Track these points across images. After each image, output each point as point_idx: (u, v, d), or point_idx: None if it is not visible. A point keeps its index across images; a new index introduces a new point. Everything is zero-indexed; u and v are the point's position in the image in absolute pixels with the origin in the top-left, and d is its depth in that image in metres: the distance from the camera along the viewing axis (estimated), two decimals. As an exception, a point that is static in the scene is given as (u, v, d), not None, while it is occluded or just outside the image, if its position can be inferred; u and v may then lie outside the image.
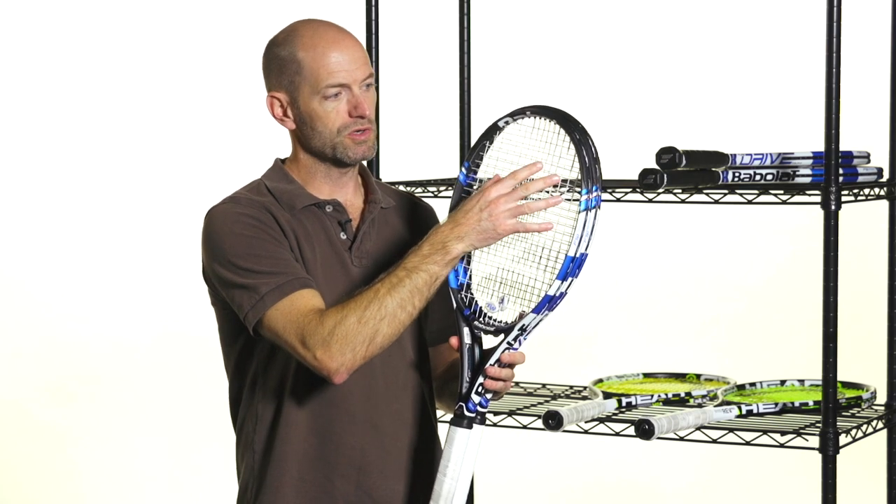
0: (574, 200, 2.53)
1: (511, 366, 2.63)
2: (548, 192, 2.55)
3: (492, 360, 2.61)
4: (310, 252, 2.68)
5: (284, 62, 2.69)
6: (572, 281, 2.53)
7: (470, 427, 2.62)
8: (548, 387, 3.69)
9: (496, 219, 2.53)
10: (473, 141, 3.66)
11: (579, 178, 2.53)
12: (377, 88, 3.64)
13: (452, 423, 2.63)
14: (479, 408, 2.62)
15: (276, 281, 2.59)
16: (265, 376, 2.72)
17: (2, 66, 6.55)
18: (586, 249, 2.52)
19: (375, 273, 2.68)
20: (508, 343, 2.60)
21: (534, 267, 2.59)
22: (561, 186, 2.56)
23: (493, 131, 2.65)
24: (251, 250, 2.62)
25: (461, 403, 2.62)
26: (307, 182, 2.74)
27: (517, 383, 3.70)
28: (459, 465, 2.61)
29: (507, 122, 2.63)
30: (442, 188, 3.51)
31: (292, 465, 2.71)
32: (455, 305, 2.66)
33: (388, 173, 3.71)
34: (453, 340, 2.64)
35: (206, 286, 2.76)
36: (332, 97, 2.67)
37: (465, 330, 2.64)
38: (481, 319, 2.64)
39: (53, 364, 6.36)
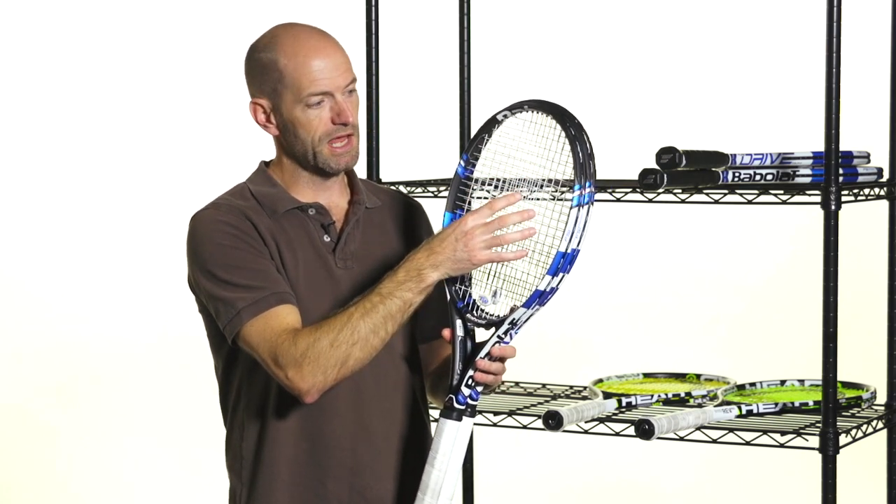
0: (566, 200, 2.54)
1: (502, 360, 2.64)
2: (546, 199, 2.56)
3: (482, 353, 2.62)
4: (291, 257, 2.68)
5: (266, 69, 2.69)
6: (563, 277, 2.54)
7: (459, 419, 2.63)
8: (548, 387, 3.69)
9: (471, 250, 2.55)
10: (473, 141, 3.67)
11: (572, 175, 2.54)
12: (377, 88, 3.65)
13: (442, 414, 2.64)
14: (469, 400, 2.63)
15: (252, 296, 2.60)
16: (251, 381, 2.72)
17: (2, 67, 6.55)
18: (578, 245, 2.52)
19: (360, 274, 2.70)
20: (499, 336, 2.61)
21: (526, 261, 2.60)
22: (561, 186, 2.57)
23: (491, 125, 2.66)
24: (229, 261, 2.62)
25: (451, 395, 2.63)
26: (291, 186, 2.75)
27: (517, 383, 3.70)
28: (448, 456, 2.62)
29: (505, 116, 2.64)
30: (442, 188, 3.51)
31: (283, 470, 2.71)
32: (449, 298, 2.66)
33: (388, 173, 3.71)
34: (445, 332, 2.65)
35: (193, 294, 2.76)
36: (315, 105, 2.67)
37: (458, 322, 2.65)
38: (474, 312, 2.65)
39: (53, 365, 6.36)
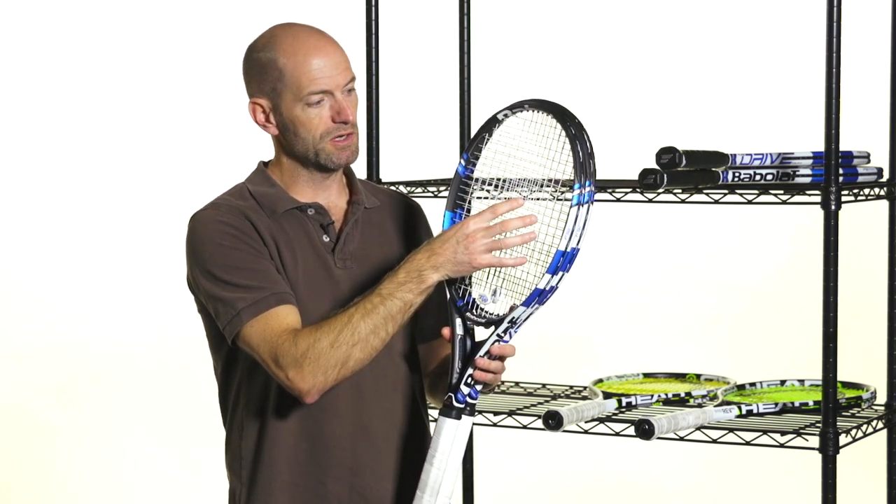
0: (565, 200, 2.54)
1: (502, 358, 2.64)
2: (547, 199, 2.56)
3: (481, 352, 2.62)
4: (290, 257, 2.68)
5: (265, 69, 2.69)
6: (563, 275, 2.54)
7: (458, 418, 2.63)
8: (548, 387, 3.69)
9: (472, 253, 2.55)
10: (473, 141, 3.66)
11: (572, 174, 2.54)
12: (377, 88, 3.65)
13: (441, 413, 2.64)
14: (468, 399, 2.63)
15: (252, 297, 2.60)
16: (250, 382, 2.72)
17: (2, 67, 6.55)
18: (578, 244, 2.52)
19: (359, 275, 2.70)
20: (498, 335, 2.61)
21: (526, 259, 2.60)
22: (561, 186, 2.57)
23: (492, 124, 2.66)
24: (229, 261, 2.63)
25: (450, 394, 2.63)
26: (290, 186, 2.75)
27: (517, 383, 3.70)
28: (447, 455, 2.62)
29: (506, 115, 2.65)
30: (442, 188, 3.51)
31: (283, 470, 2.71)
32: (448, 296, 2.66)
33: (388, 173, 3.71)
34: (445, 331, 2.66)
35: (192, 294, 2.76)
36: (315, 104, 2.67)
37: (458, 321, 2.65)
38: (473, 311, 2.65)
39: (53, 365, 6.36)
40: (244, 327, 2.60)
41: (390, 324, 2.57)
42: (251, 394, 2.72)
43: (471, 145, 2.68)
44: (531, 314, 2.59)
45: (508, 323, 2.60)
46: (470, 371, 2.62)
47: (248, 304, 2.60)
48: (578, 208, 2.52)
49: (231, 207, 2.69)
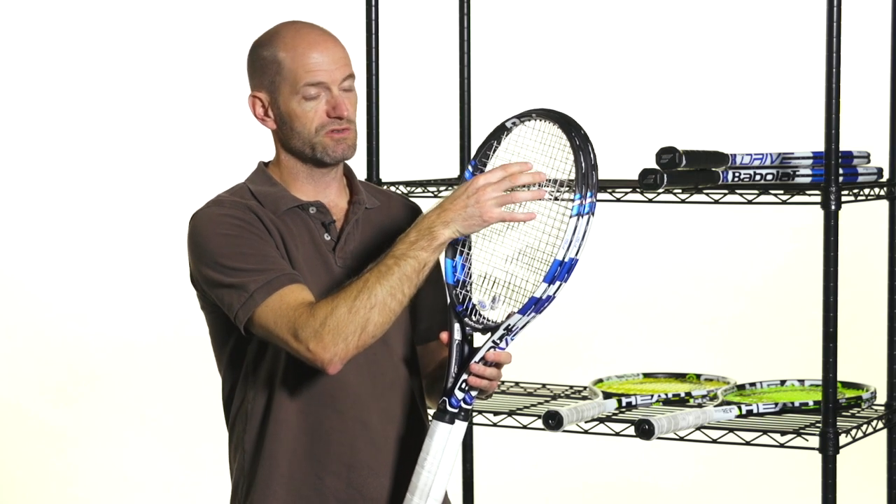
0: (568, 201, 2.54)
1: (498, 365, 2.64)
2: (549, 199, 2.57)
3: (476, 358, 2.62)
4: (294, 252, 2.69)
5: (266, 63, 2.70)
6: (560, 285, 2.53)
7: (451, 422, 2.63)
8: (548, 387, 3.69)
9: (482, 206, 2.55)
10: (473, 141, 3.67)
11: (575, 181, 2.54)
12: (377, 88, 3.65)
13: (434, 416, 2.65)
14: (462, 404, 2.63)
15: (264, 278, 2.60)
16: (254, 377, 2.73)
17: (2, 67, 6.55)
18: (576, 255, 2.52)
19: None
20: (494, 342, 2.61)
21: (526, 268, 2.60)
22: (561, 186, 2.57)
23: (500, 132, 2.67)
24: (237, 249, 2.63)
25: (444, 398, 2.64)
26: (290, 184, 2.75)
27: (517, 383, 3.70)
28: (438, 459, 2.62)
29: (514, 124, 2.65)
30: (442, 188, 3.51)
31: (282, 464, 2.72)
32: (449, 301, 2.67)
33: (388, 173, 3.71)
34: (443, 335, 2.66)
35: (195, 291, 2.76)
36: (311, 97, 2.68)
37: (456, 326, 2.66)
38: (472, 317, 2.65)
39: (53, 364, 6.36)
40: (258, 308, 2.59)
41: (406, 285, 2.56)
42: (254, 389, 2.73)
43: (479, 152, 2.68)
44: (528, 322, 2.58)
45: (504, 330, 2.60)
46: (465, 377, 2.63)
47: (261, 284, 2.60)
48: (578, 219, 2.52)
49: (234, 202, 2.70)
